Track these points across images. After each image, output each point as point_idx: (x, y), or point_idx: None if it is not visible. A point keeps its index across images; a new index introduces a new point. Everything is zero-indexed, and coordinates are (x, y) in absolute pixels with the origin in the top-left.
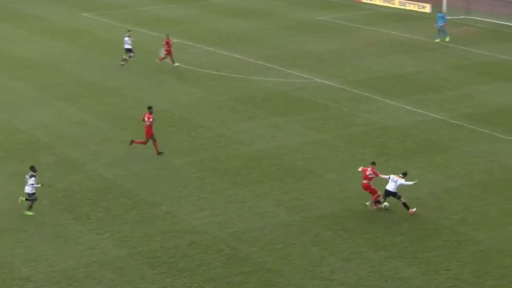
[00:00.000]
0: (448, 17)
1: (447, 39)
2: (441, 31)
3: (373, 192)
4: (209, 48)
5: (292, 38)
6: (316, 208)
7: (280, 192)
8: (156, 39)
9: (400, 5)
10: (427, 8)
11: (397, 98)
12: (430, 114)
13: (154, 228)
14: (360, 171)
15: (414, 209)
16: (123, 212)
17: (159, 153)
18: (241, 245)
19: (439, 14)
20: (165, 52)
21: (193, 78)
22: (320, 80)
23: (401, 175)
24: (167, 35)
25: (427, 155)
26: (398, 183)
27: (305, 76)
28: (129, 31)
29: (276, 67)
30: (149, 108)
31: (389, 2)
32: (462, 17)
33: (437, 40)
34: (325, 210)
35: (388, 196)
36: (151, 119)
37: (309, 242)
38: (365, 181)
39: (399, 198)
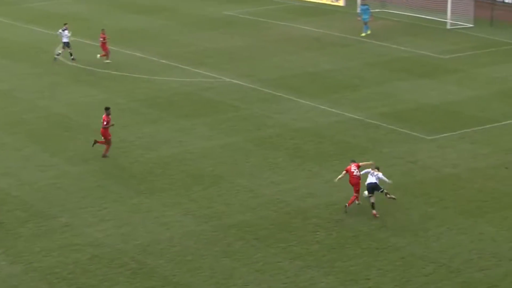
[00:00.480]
0: None
1: (363, 34)
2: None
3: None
4: (109, 47)
5: (197, 34)
6: (227, 216)
7: (188, 200)
8: (49, 37)
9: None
10: (341, 1)
11: (311, 98)
12: (346, 114)
13: (51, 242)
14: (341, 177)
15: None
16: (18, 225)
17: (105, 156)
18: (147, 258)
19: (362, 7)
20: (104, 50)
21: (91, 79)
22: (228, 80)
23: (376, 169)
24: (102, 30)
25: (344, 157)
26: (380, 176)
27: (213, 75)
28: (66, 24)
29: (181, 66)
30: (107, 109)
31: None
32: (377, 10)
33: (363, 34)
34: (236, 218)
35: (373, 191)
36: (105, 123)
37: (220, 253)
38: (355, 178)
39: (382, 191)
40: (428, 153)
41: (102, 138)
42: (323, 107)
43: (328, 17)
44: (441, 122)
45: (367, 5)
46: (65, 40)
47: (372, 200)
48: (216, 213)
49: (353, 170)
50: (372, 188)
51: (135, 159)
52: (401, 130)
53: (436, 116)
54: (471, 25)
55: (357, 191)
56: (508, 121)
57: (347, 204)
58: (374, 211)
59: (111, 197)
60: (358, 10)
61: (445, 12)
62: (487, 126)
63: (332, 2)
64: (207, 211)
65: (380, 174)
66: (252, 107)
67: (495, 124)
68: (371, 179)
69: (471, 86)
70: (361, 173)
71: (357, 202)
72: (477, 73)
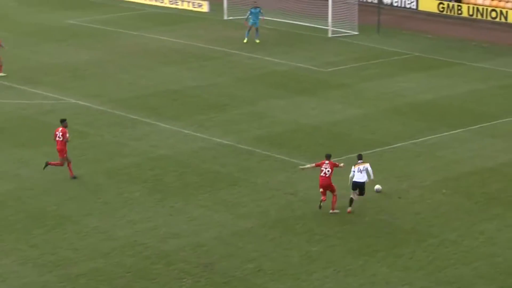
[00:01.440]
0: (231, 18)
1: (245, 41)
2: (254, 30)
3: (333, 190)
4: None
5: (35, 47)
6: (74, 263)
7: (27, 246)
8: None
9: (171, 4)
10: (205, 7)
11: (172, 121)
12: (213, 138)
13: None
14: (307, 168)
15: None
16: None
17: (73, 177)
18: None
19: (253, 10)
20: None
21: None
22: (74, 101)
23: (360, 161)
24: None
25: (212, 190)
26: (369, 168)
27: (55, 96)
28: None
29: (17, 86)
30: (62, 121)
31: (156, 0)
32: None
33: (257, 41)
34: (85, 266)
35: (359, 190)
36: (66, 135)
37: None
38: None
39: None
40: (310, 182)
41: (59, 155)
42: (187, 131)
43: (190, 25)
44: (324, 146)
45: (259, 7)
46: None
47: (355, 197)
48: (61, 260)
49: (323, 169)
50: (359, 188)
51: None
52: (278, 156)
53: (318, 139)
54: (355, 33)
55: (331, 191)
56: (400, 143)
57: (331, 209)
58: (350, 208)
59: None
60: (248, 14)
61: (325, 18)
62: (377, 149)
63: (195, 7)
64: (51, 258)
65: (369, 166)
66: (103, 132)
67: (386, 147)
68: (359, 177)
69: (358, 103)
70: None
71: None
72: (363, 88)
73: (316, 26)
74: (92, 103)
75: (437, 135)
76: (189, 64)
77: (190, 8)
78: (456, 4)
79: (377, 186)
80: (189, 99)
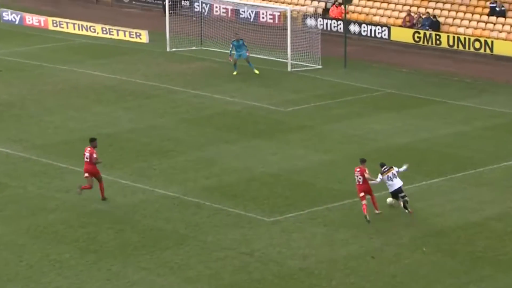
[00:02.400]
0: (174, 50)
1: (235, 73)
2: (245, 62)
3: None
4: None
5: None
6: None
7: None
8: None
9: (105, 34)
10: (144, 37)
11: (107, 169)
12: (156, 190)
13: None
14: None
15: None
16: None
17: (104, 198)
18: None
19: (236, 43)
20: None
21: None
22: None
23: (385, 168)
24: None
25: (155, 250)
26: (401, 170)
27: None
28: None
29: None
30: (92, 140)
31: (87, 30)
32: (193, 48)
33: (256, 72)
34: None
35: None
36: (94, 156)
37: None
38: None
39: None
40: (269, 240)
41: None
42: (125, 181)
43: (127, 58)
44: (285, 197)
45: (241, 39)
46: None
47: (401, 203)
48: None
49: (356, 176)
50: (399, 193)
51: None
52: (231, 209)
53: (277, 189)
54: (318, 66)
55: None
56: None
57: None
58: (409, 209)
59: None
60: (230, 48)
61: (284, 50)
62: (346, 201)
63: (132, 38)
64: None
65: (397, 169)
66: (25, 183)
67: (357, 199)
68: (393, 184)
69: (322, 148)
70: (378, 180)
71: (376, 211)
72: (329, 130)
73: (273, 58)
74: (12, 149)
75: (414, 185)
76: (126, 103)
77: (127, 38)
78: (434, 33)
79: (390, 199)
80: (126, 144)
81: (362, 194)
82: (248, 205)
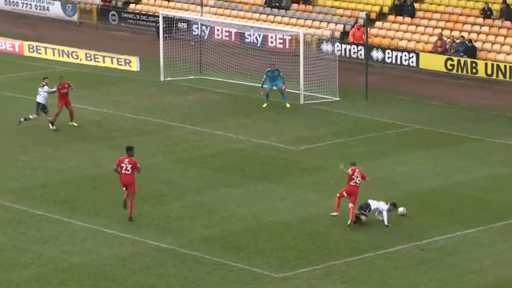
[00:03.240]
0: (169, 79)
1: (264, 105)
2: (279, 93)
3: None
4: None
5: None
6: None
7: None
8: None
9: (89, 60)
10: (134, 65)
11: (91, 217)
12: (147, 241)
13: None
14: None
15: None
16: None
17: (131, 219)
18: None
19: (270, 74)
20: None
21: None
22: None
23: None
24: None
25: None
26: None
27: None
28: (46, 78)
29: None
30: (129, 149)
31: (69, 56)
32: (191, 77)
33: (288, 106)
34: None
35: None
36: (137, 166)
37: None
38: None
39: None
40: None
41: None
42: (111, 231)
43: (115, 89)
44: (296, 250)
45: (277, 70)
46: (40, 100)
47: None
48: None
49: (355, 177)
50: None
51: None
52: (235, 264)
53: (287, 239)
54: (336, 98)
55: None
56: (397, 246)
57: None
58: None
59: None
60: (264, 78)
61: (296, 79)
62: (366, 255)
63: (121, 65)
64: None
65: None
66: None
67: (379, 252)
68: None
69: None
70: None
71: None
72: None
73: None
74: None
75: (446, 236)
76: (113, 140)
77: (115, 66)
78: (469, 60)
79: (401, 209)
80: (113, 188)
81: (345, 195)
82: (254, 259)
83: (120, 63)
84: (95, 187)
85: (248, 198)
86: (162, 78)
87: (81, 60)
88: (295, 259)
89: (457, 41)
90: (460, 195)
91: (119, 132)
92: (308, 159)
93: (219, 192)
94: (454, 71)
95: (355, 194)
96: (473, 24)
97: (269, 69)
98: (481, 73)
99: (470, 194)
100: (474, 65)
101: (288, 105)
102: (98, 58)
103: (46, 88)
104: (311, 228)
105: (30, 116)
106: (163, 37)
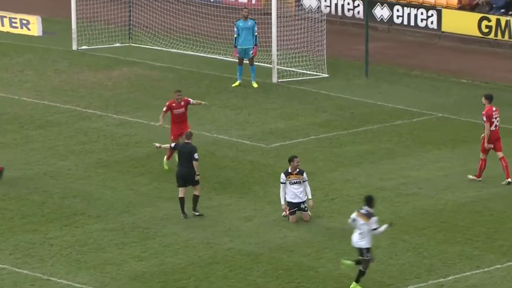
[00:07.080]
0: (85, 47)
1: (237, 83)
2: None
3: None
4: None
5: None
6: None
7: None
8: None
9: None
10: (35, 28)
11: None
12: (53, 278)
13: None
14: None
15: None
16: None
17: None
18: None
19: (241, 24)
20: None
21: None
22: None
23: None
24: None
25: None
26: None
27: None
28: None
29: None
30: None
31: None
32: (117, 45)
33: (255, 85)
34: None
35: None
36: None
37: None
38: None
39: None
40: None
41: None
42: (2, 265)
43: (7, 62)
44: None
45: (252, 19)
46: None
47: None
48: None
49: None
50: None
51: None
52: None
53: (254, 276)
54: (323, 75)
55: None
56: (408, 287)
57: None
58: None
59: None
60: (235, 31)
61: (266, 48)
62: None
63: (15, 28)
64: None
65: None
66: None
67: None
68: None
69: (327, 209)
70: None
71: None
72: (338, 179)
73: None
74: None
75: (481, 270)
76: (4, 135)
77: (7, 28)
78: None
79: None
80: (4, 205)
81: None
82: None
83: (14, 24)
84: None
85: (198, 217)
86: (74, 47)
87: None
88: None
89: None
90: (500, 212)
91: (14, 124)
92: (283, 162)
93: (157, 209)
94: (491, 36)
95: None
96: None
97: (241, 16)
98: None
99: None
100: None
101: (255, 85)
102: None
103: None
104: (288, 259)
105: None
106: None
